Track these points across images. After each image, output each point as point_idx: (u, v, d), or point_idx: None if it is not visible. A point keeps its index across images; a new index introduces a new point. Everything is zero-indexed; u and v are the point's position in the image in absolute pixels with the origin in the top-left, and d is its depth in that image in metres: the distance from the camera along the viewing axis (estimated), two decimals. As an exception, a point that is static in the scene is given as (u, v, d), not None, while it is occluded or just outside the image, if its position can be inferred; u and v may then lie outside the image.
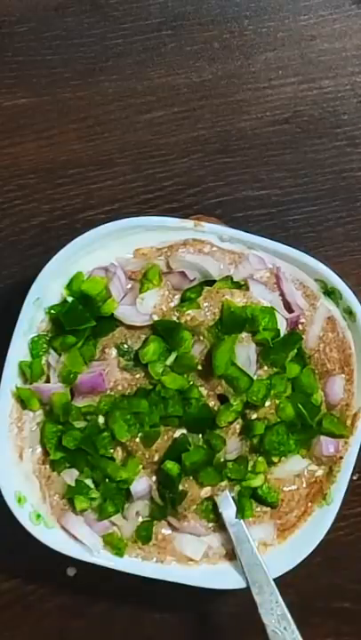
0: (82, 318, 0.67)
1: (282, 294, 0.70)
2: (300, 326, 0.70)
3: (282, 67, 0.76)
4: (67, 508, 0.70)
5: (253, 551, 0.69)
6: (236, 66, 0.76)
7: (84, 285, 0.67)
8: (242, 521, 0.70)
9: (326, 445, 0.70)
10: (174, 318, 0.68)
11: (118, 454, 0.69)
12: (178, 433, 0.69)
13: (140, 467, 0.69)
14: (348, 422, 0.71)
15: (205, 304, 0.68)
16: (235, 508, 0.70)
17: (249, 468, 0.70)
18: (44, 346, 0.68)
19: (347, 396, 0.71)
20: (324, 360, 0.70)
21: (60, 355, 0.68)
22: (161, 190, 0.76)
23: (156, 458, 0.69)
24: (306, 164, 0.76)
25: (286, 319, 0.70)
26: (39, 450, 0.69)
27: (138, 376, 0.68)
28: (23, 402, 0.68)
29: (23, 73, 0.75)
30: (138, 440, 0.69)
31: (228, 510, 0.70)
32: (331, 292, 0.70)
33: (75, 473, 0.69)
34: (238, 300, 0.68)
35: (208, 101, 0.76)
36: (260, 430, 0.69)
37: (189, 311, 0.68)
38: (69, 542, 0.69)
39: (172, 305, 0.69)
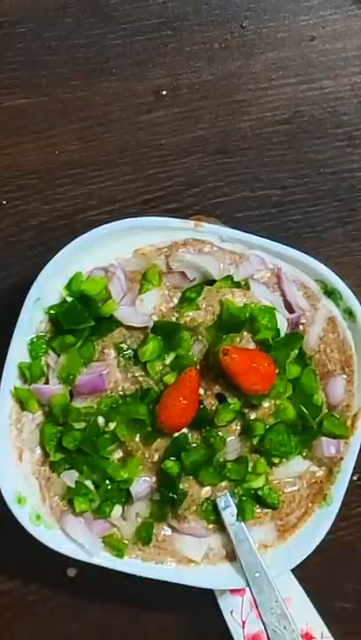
0: (81, 318, 0.67)
1: (283, 294, 0.70)
2: (300, 327, 0.70)
3: (282, 67, 0.76)
4: (66, 510, 0.70)
5: (253, 551, 0.69)
6: (236, 66, 0.76)
7: (84, 285, 0.67)
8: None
9: (328, 446, 0.70)
10: (173, 319, 0.68)
11: (118, 454, 0.69)
12: (177, 432, 0.69)
13: (140, 467, 0.69)
14: (349, 423, 0.71)
15: (205, 304, 0.68)
16: (235, 509, 0.70)
17: (249, 469, 0.70)
18: (43, 347, 0.68)
19: (347, 397, 0.71)
20: (324, 361, 0.70)
21: (59, 355, 0.68)
22: (161, 190, 0.76)
23: (155, 457, 0.69)
24: (306, 164, 0.76)
25: (287, 319, 0.70)
26: (38, 451, 0.69)
27: (138, 375, 0.69)
28: (22, 403, 0.68)
29: (23, 73, 0.75)
30: (138, 440, 0.69)
31: (228, 511, 0.70)
32: (331, 293, 0.70)
33: (74, 474, 0.69)
34: (239, 299, 0.68)
35: (208, 102, 0.76)
36: (260, 431, 0.69)
37: (189, 312, 0.68)
38: (69, 543, 0.69)
39: (172, 305, 0.69)
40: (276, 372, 0.68)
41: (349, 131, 0.77)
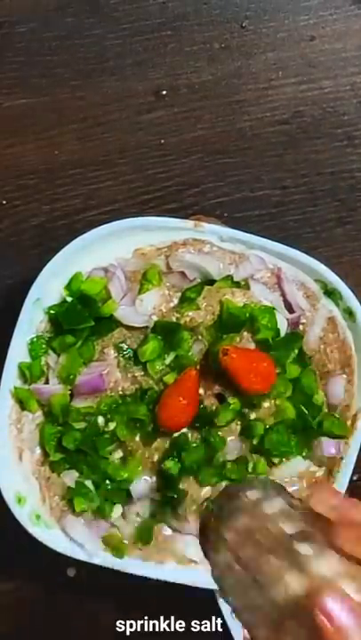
0: (80, 318, 0.67)
1: (283, 294, 0.70)
2: (300, 327, 0.70)
3: (282, 67, 0.76)
4: (66, 509, 0.70)
5: (253, 551, 0.69)
6: (236, 66, 0.76)
7: (84, 285, 0.67)
8: (242, 521, 0.70)
9: (328, 446, 0.70)
10: (174, 319, 0.68)
11: (118, 454, 0.69)
12: (177, 432, 0.69)
13: (140, 467, 0.69)
14: (349, 423, 0.71)
15: (205, 304, 0.68)
16: (235, 509, 0.70)
17: (249, 469, 0.70)
18: (43, 347, 0.68)
19: (347, 397, 0.71)
20: (324, 361, 0.70)
21: (59, 355, 0.68)
22: (161, 190, 0.76)
23: (155, 457, 0.69)
24: (306, 164, 0.76)
25: (287, 319, 0.70)
26: (38, 451, 0.69)
27: (138, 375, 0.69)
28: (22, 403, 0.68)
29: (23, 73, 0.75)
30: (138, 440, 0.69)
31: (228, 511, 0.70)
32: (331, 293, 0.70)
33: (74, 474, 0.69)
34: (239, 299, 0.68)
35: (208, 102, 0.76)
36: (260, 431, 0.69)
37: (189, 312, 0.68)
38: (69, 543, 0.69)
39: (172, 305, 0.69)
40: (277, 371, 0.68)
41: (349, 131, 0.77)
